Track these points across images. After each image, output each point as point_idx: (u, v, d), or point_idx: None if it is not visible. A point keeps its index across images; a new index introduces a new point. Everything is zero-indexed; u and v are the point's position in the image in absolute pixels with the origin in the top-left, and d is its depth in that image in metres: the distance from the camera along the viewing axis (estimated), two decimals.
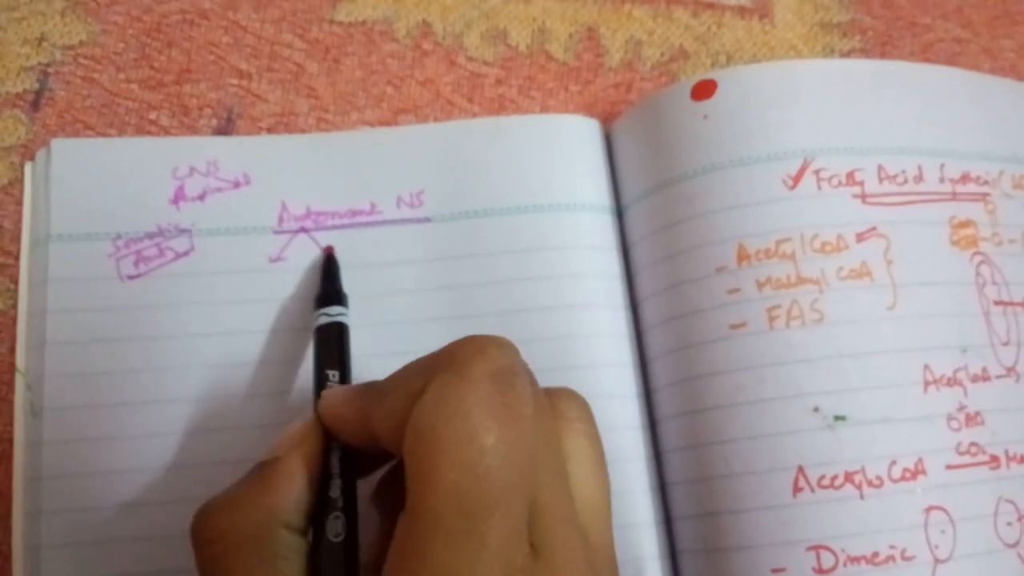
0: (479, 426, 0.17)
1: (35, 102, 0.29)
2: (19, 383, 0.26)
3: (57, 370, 0.25)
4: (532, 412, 0.18)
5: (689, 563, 0.25)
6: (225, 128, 0.29)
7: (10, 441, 0.25)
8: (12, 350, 0.26)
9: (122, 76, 0.29)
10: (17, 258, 0.27)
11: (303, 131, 0.29)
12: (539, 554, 0.17)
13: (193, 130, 0.29)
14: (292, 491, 0.20)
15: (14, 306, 0.27)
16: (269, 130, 0.29)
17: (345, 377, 0.23)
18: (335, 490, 0.20)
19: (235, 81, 0.30)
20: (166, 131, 0.29)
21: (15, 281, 0.27)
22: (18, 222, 0.27)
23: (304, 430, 0.21)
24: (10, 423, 0.25)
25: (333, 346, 0.24)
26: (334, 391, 0.22)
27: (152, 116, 0.29)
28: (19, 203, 0.27)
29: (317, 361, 0.24)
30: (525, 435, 0.18)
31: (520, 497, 0.17)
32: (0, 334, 0.26)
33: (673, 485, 0.26)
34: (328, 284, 0.26)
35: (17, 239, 0.27)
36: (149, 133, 0.29)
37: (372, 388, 0.20)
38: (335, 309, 0.25)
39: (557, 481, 0.19)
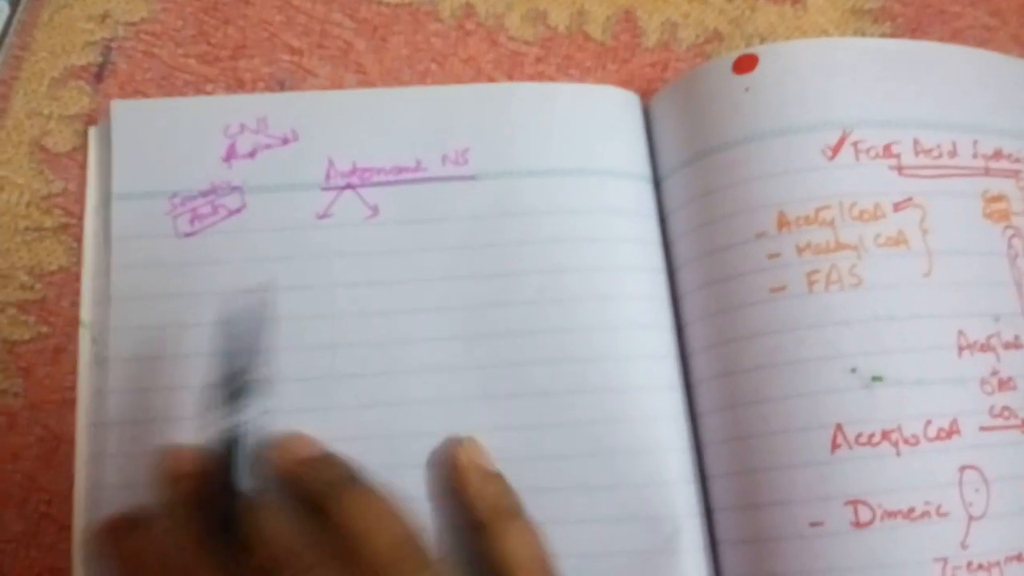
0: None
1: (98, 74, 0.30)
2: (83, 336, 0.27)
3: (121, 323, 0.26)
4: None
5: (725, 520, 0.26)
6: None
7: (71, 388, 0.26)
8: (74, 304, 0.27)
9: (180, 51, 0.31)
10: (80, 218, 0.28)
11: None
12: None
13: None
14: None
15: (77, 263, 0.28)
16: None
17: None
18: None
19: (287, 57, 0.31)
20: None
21: (78, 240, 0.28)
22: (82, 185, 0.29)
23: None
24: (72, 371, 0.27)
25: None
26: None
27: (208, 88, 0.30)
28: (83, 167, 0.29)
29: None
30: None
31: None
32: (63, 289, 0.28)
33: (710, 445, 0.27)
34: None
35: (80, 200, 0.28)
36: None
37: None
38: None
39: None
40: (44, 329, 0.27)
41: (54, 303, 0.28)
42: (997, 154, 0.28)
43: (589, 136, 0.29)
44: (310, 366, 0.27)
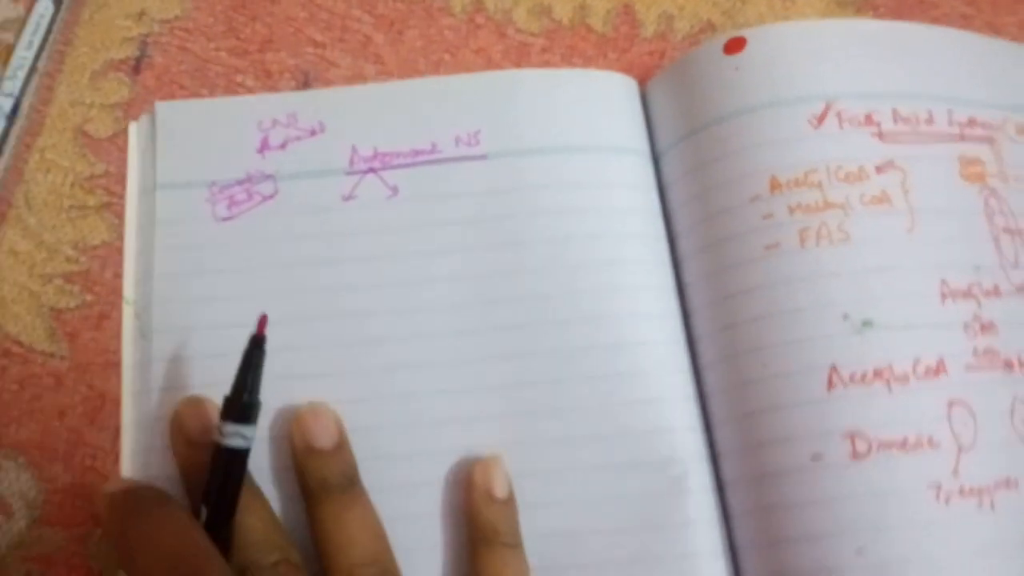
0: None
1: (136, 67, 0.32)
2: (127, 312, 0.29)
3: (164, 299, 0.29)
4: None
5: (730, 462, 0.28)
6: (302, 89, 0.33)
7: (114, 352, 0.29)
8: (116, 275, 0.30)
9: (212, 45, 0.33)
10: (122, 197, 0.30)
11: None
12: None
13: (275, 91, 0.33)
14: None
15: (118, 238, 0.30)
16: None
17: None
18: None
19: (311, 49, 0.33)
20: (251, 92, 0.33)
21: (119, 217, 0.30)
22: (122, 167, 0.31)
23: None
24: (115, 336, 0.29)
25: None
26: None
27: (238, 79, 0.33)
28: (122, 151, 0.31)
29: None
30: None
31: None
32: (106, 261, 0.30)
33: (713, 394, 0.29)
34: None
35: (121, 181, 0.31)
36: (236, 93, 0.32)
37: None
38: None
39: None
40: (88, 298, 0.29)
41: (97, 274, 0.30)
42: (971, 122, 0.31)
43: (591, 116, 0.31)
44: (339, 333, 0.29)
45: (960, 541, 0.25)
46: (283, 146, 0.31)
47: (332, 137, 0.31)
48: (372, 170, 0.31)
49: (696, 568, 0.27)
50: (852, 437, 0.26)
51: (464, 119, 0.31)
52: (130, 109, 0.32)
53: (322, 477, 0.25)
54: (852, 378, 0.26)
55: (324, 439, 0.26)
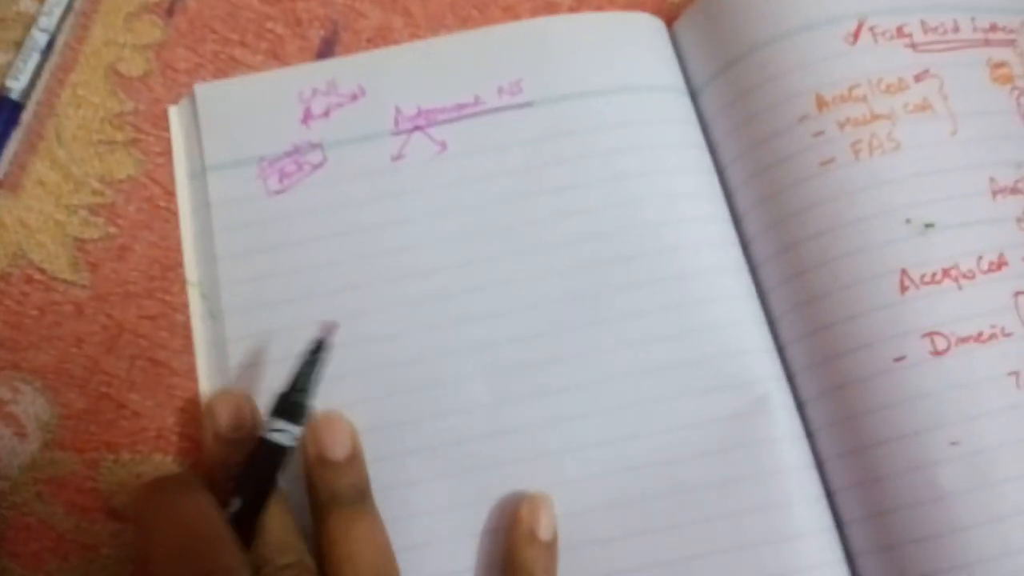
0: None
1: (169, 10, 0.32)
2: (192, 293, 0.29)
3: (230, 278, 0.28)
4: None
5: (808, 379, 0.28)
6: (331, 38, 0.32)
7: (134, 283, 0.29)
8: (140, 209, 0.30)
9: None
10: (148, 134, 0.30)
11: (399, 43, 0.32)
12: None
13: (304, 39, 0.32)
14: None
15: (144, 173, 0.30)
16: (369, 41, 0.33)
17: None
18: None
19: (341, 0, 0.33)
20: (280, 39, 0.32)
21: (146, 153, 0.30)
22: (150, 105, 0.31)
23: None
24: (135, 268, 0.29)
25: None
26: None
27: (269, 25, 0.32)
28: (151, 90, 0.31)
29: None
30: None
31: None
32: (130, 195, 0.30)
33: (779, 317, 0.29)
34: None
35: (149, 119, 0.31)
36: (266, 40, 0.32)
37: None
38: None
39: None
40: (112, 230, 0.30)
41: (122, 207, 0.30)
42: (993, 27, 0.31)
43: (626, 56, 0.32)
44: (404, 293, 0.29)
45: None
46: (326, 114, 0.30)
47: (374, 100, 0.31)
48: (418, 128, 0.31)
49: (787, 483, 0.27)
50: (931, 335, 0.26)
51: (503, 69, 0.31)
52: (161, 51, 0.32)
53: (332, 489, 0.25)
54: (923, 279, 0.27)
55: (337, 450, 0.26)
